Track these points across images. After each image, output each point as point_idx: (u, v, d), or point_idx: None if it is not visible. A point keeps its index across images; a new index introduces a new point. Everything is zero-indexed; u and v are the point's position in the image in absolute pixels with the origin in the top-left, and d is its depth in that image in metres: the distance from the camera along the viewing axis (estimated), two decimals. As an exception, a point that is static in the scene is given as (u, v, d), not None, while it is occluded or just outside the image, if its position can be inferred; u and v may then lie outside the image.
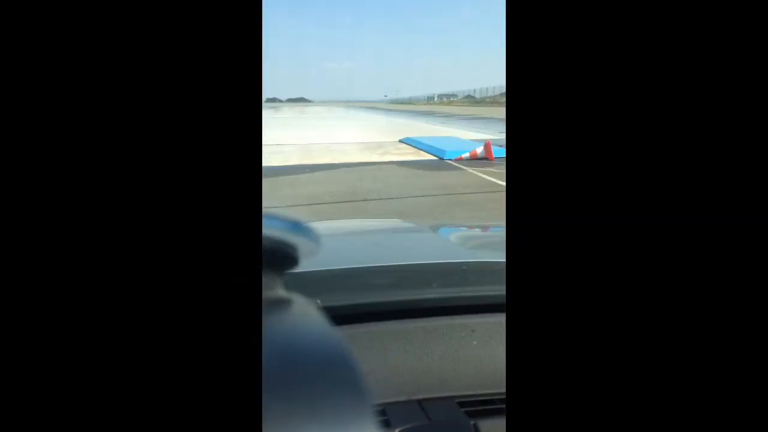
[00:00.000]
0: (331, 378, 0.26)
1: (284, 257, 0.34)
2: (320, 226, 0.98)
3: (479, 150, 8.31)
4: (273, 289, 0.34)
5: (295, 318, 0.32)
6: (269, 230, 0.31)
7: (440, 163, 8.22)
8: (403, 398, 0.60)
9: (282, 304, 0.33)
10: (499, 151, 8.01)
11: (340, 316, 0.62)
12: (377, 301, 0.70)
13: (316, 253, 0.34)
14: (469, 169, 7.25)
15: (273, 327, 0.29)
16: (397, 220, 1.29)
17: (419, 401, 0.60)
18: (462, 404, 0.60)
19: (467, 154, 8.29)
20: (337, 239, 1.04)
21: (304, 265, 0.35)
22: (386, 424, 0.56)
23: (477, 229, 1.45)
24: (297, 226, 0.32)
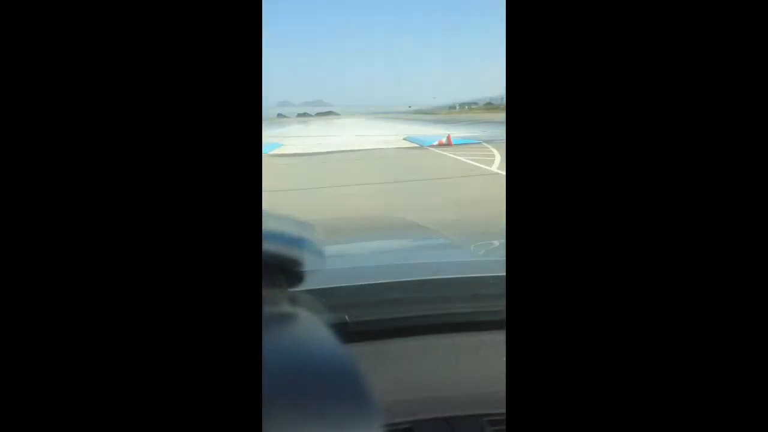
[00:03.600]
0: (339, 396, 0.26)
1: (295, 274, 0.35)
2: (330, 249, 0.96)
3: (443, 140, 15.14)
4: (282, 305, 0.34)
5: (303, 336, 0.32)
6: (281, 248, 0.33)
7: (422, 148, 15.02)
8: (430, 416, 0.59)
9: (289, 320, 0.33)
10: (457, 140, 14.94)
11: (370, 332, 0.61)
12: (403, 316, 0.68)
13: (326, 270, 0.36)
14: (436, 150, 13.72)
15: (280, 344, 0.29)
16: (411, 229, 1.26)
17: (447, 419, 0.59)
18: (492, 423, 0.58)
19: (436, 142, 15.10)
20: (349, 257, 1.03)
21: (322, 282, 0.36)
22: None
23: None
24: (307, 244, 0.34)
